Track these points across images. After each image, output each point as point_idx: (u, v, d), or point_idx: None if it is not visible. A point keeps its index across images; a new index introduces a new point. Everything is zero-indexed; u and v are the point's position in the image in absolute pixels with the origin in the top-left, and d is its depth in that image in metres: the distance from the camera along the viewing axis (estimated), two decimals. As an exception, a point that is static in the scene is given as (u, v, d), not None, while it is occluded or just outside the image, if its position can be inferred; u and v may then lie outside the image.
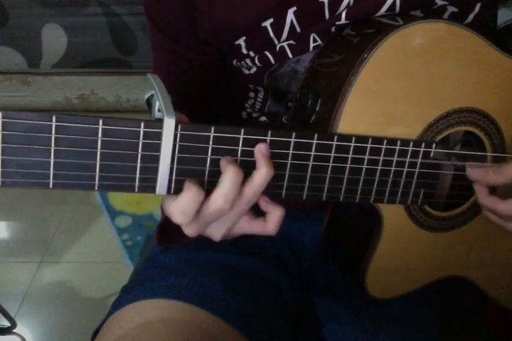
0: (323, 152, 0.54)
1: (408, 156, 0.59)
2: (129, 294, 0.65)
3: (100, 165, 0.47)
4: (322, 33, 0.65)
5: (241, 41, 0.68)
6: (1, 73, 2.36)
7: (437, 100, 0.60)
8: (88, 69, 2.33)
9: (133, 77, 2.37)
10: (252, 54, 0.69)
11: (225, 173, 0.49)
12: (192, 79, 0.76)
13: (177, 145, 0.48)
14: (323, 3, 0.62)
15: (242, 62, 0.71)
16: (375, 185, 0.58)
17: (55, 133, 0.44)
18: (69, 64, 2.30)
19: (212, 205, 0.50)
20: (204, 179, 0.51)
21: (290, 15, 0.64)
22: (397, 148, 0.58)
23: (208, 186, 0.50)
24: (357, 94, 0.55)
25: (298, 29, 0.65)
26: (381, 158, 0.57)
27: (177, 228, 0.54)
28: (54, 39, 2.23)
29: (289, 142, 0.52)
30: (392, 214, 0.63)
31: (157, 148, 0.47)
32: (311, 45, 0.66)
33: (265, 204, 0.54)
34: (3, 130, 0.43)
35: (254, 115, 0.76)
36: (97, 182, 0.47)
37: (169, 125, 0.47)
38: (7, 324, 1.37)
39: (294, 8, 0.63)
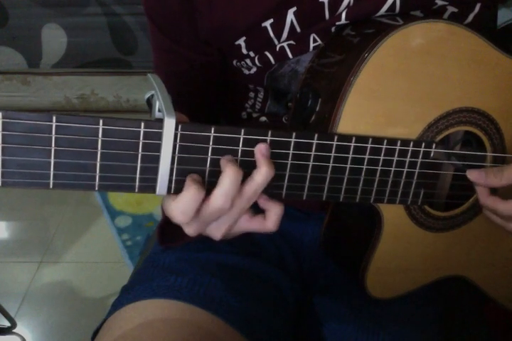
0: (323, 152, 0.54)
1: (408, 156, 0.59)
2: (129, 294, 0.65)
3: (100, 165, 0.47)
4: (322, 33, 0.65)
5: (241, 41, 0.68)
6: (1, 73, 2.36)
7: (437, 100, 0.60)
8: (88, 69, 2.33)
9: (133, 77, 2.37)
10: (252, 54, 0.69)
11: (225, 172, 0.49)
12: (192, 79, 0.76)
13: (177, 146, 0.48)
14: (323, 3, 0.62)
15: (242, 62, 0.72)
16: (375, 185, 0.58)
17: (55, 134, 0.44)
18: (69, 64, 2.30)
19: (212, 204, 0.50)
20: (204, 179, 0.51)
21: (290, 16, 0.64)
22: (397, 148, 0.58)
23: (209, 186, 0.50)
24: (357, 94, 0.55)
25: (298, 29, 0.65)
26: (381, 157, 0.57)
27: (177, 228, 0.54)
28: (54, 39, 2.23)
29: (289, 142, 0.52)
30: (392, 214, 0.63)
31: (157, 148, 0.48)
32: (311, 45, 0.66)
33: (264, 202, 0.54)
34: (3, 130, 0.43)
35: (254, 115, 0.76)
36: (97, 182, 0.47)
37: (169, 125, 0.47)
38: (7, 324, 1.37)
39: (294, 9, 0.63)
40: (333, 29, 0.64)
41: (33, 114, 0.43)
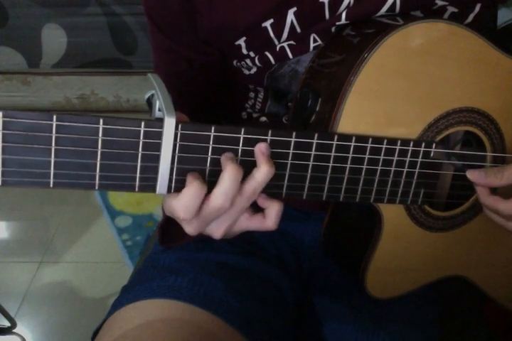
0: (323, 151, 0.54)
1: (408, 156, 0.59)
2: (129, 294, 0.65)
3: (100, 164, 0.47)
4: (322, 33, 0.65)
5: (241, 41, 0.68)
6: (1, 73, 2.36)
7: (437, 100, 0.60)
8: (88, 69, 2.33)
9: (133, 77, 2.37)
10: (252, 54, 0.69)
11: (225, 171, 0.49)
12: (192, 79, 0.76)
13: (177, 145, 0.48)
14: (323, 3, 0.62)
15: (243, 62, 0.72)
16: (375, 185, 0.58)
17: (56, 133, 0.44)
18: (69, 64, 2.30)
19: (212, 203, 0.50)
20: (204, 178, 0.51)
21: (290, 16, 0.64)
22: (398, 147, 0.58)
23: (209, 185, 0.50)
24: (357, 93, 0.55)
25: (298, 29, 0.65)
26: (381, 157, 0.57)
27: (178, 228, 0.54)
28: (54, 39, 2.23)
29: (290, 142, 0.52)
30: (393, 214, 0.63)
31: (157, 147, 0.48)
32: (311, 45, 0.66)
33: (263, 201, 0.54)
34: (3, 129, 0.43)
35: (255, 115, 0.76)
36: (97, 181, 0.47)
37: (169, 124, 0.47)
38: (7, 324, 1.37)
39: (294, 9, 0.63)
40: (333, 29, 0.64)
41: (34, 113, 0.43)
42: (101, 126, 0.45)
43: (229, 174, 0.49)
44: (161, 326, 0.59)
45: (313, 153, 0.54)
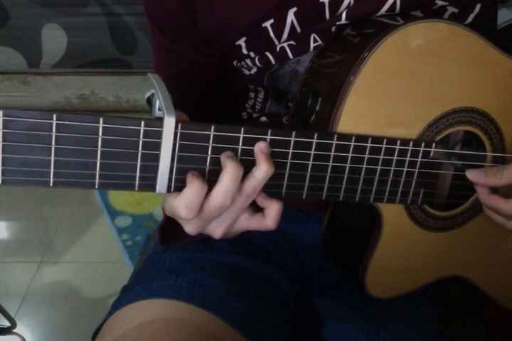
0: (323, 151, 0.54)
1: (408, 156, 0.59)
2: (129, 294, 0.65)
3: (100, 163, 0.47)
4: (322, 33, 0.65)
5: (241, 42, 0.68)
6: (1, 73, 2.36)
7: (437, 100, 0.60)
8: (88, 69, 2.33)
9: (133, 77, 2.37)
10: (252, 54, 0.69)
11: (225, 169, 0.49)
12: (192, 79, 0.76)
13: (177, 144, 0.48)
14: (323, 3, 0.62)
15: (243, 62, 0.72)
16: (375, 185, 0.58)
17: (56, 132, 0.44)
18: (69, 64, 2.30)
19: (212, 201, 0.50)
20: (204, 178, 0.51)
21: (290, 16, 0.64)
22: (397, 147, 0.58)
23: (209, 184, 0.50)
24: (357, 93, 0.55)
25: (298, 29, 0.65)
26: (381, 157, 0.57)
27: (178, 228, 0.54)
28: (54, 39, 2.23)
29: (289, 141, 0.52)
30: (392, 214, 0.63)
31: (157, 146, 0.48)
32: (312, 45, 0.66)
33: (262, 200, 0.54)
34: (4, 128, 0.43)
35: (255, 115, 0.76)
36: (97, 180, 0.47)
37: (169, 124, 0.47)
38: (7, 324, 1.36)
39: (295, 9, 0.63)
40: (333, 29, 0.64)
41: (34, 112, 0.43)
42: (101, 125, 0.45)
43: (229, 172, 0.49)
44: (161, 326, 0.59)
45: (312, 152, 0.54)
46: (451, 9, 0.65)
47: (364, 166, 0.57)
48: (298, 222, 0.78)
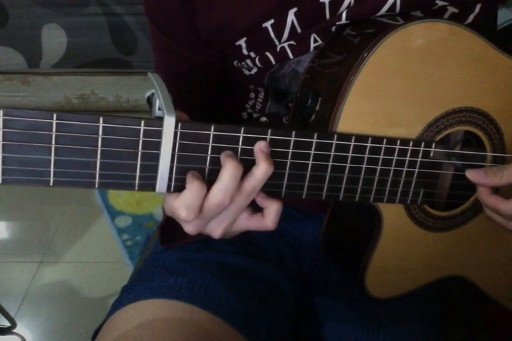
0: (322, 151, 0.54)
1: (408, 155, 0.59)
2: (129, 294, 0.65)
3: (100, 163, 0.47)
4: (323, 33, 0.65)
5: (242, 42, 0.68)
6: (1, 73, 2.36)
7: (437, 100, 0.60)
8: (88, 69, 2.33)
9: (133, 77, 2.37)
10: (252, 55, 0.69)
11: (225, 167, 0.49)
12: (192, 79, 0.76)
13: (177, 144, 0.48)
14: (323, 3, 0.62)
15: (243, 62, 0.72)
16: (375, 185, 0.58)
17: (56, 131, 0.44)
18: (69, 64, 2.30)
19: (211, 200, 0.50)
20: (204, 178, 0.51)
21: (291, 16, 0.64)
22: (397, 147, 0.58)
23: (208, 184, 0.50)
24: (357, 93, 0.55)
25: (299, 30, 0.65)
26: (381, 157, 0.57)
27: (178, 227, 0.54)
28: (54, 39, 2.23)
29: (289, 141, 0.52)
30: (392, 214, 0.63)
31: (157, 146, 0.48)
32: (312, 45, 0.66)
33: (262, 200, 0.54)
34: (4, 127, 0.43)
35: (255, 115, 0.76)
36: (97, 180, 0.47)
37: (169, 123, 0.47)
38: (7, 324, 1.36)
39: (295, 9, 0.63)
40: (333, 29, 0.64)
41: (34, 111, 0.43)
42: (101, 125, 0.45)
43: (228, 171, 0.49)
44: (161, 326, 0.59)
45: (312, 152, 0.54)
46: (451, 9, 0.65)
47: (364, 166, 0.57)
48: (298, 222, 0.78)
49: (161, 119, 0.47)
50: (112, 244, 1.77)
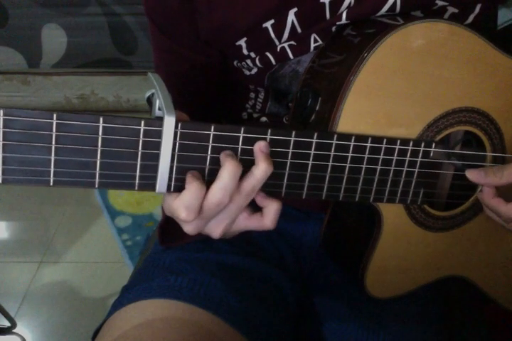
0: (322, 151, 0.54)
1: (408, 155, 0.59)
2: (129, 294, 0.66)
3: (100, 162, 0.47)
4: (323, 34, 0.65)
5: (242, 42, 0.68)
6: (1, 73, 2.36)
7: (437, 100, 0.60)
8: (88, 69, 2.33)
9: (133, 77, 2.37)
10: (252, 55, 0.69)
11: (224, 167, 0.49)
12: (193, 79, 0.76)
13: (177, 144, 0.48)
14: (324, 3, 0.62)
15: (243, 62, 0.72)
16: (375, 184, 0.58)
17: (56, 131, 0.44)
18: (69, 64, 2.30)
19: (210, 199, 0.50)
20: (204, 177, 0.51)
21: (291, 16, 0.64)
22: (397, 147, 0.58)
23: (208, 184, 0.50)
24: (357, 93, 0.55)
25: (299, 30, 0.65)
26: (381, 157, 0.57)
27: (178, 227, 0.54)
28: (54, 39, 2.23)
29: (289, 141, 0.52)
30: (392, 214, 0.63)
31: (157, 146, 0.48)
32: (312, 45, 0.66)
33: (261, 199, 0.54)
34: (4, 127, 0.43)
35: (255, 115, 0.76)
36: (97, 179, 0.47)
37: (169, 123, 0.47)
38: (7, 324, 1.36)
39: (295, 9, 0.63)
40: (333, 29, 0.64)
41: (34, 111, 0.43)
42: (101, 125, 0.45)
43: (228, 170, 0.49)
44: (161, 326, 0.59)
45: (312, 152, 0.54)
46: (451, 9, 0.65)
47: (364, 166, 0.57)
48: (298, 221, 0.78)
49: (161, 119, 0.47)
50: (112, 244, 1.77)
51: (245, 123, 0.78)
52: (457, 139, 0.66)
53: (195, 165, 0.50)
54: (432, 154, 0.60)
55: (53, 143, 0.45)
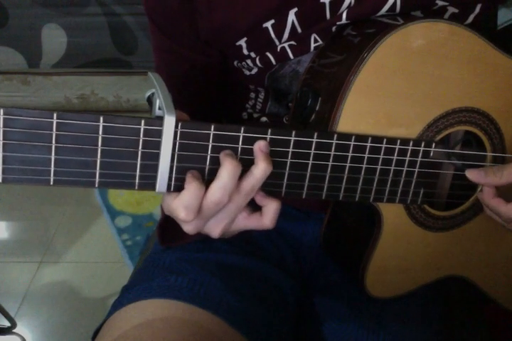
0: (323, 150, 0.54)
1: (408, 155, 0.59)
2: (129, 294, 0.65)
3: (101, 162, 0.47)
4: (323, 34, 0.65)
5: (242, 42, 0.68)
6: (1, 73, 2.36)
7: (437, 100, 0.60)
8: (88, 69, 2.33)
9: (133, 77, 2.37)
10: (253, 55, 0.69)
11: (224, 166, 0.49)
12: (193, 79, 0.76)
13: (177, 143, 0.48)
14: (324, 3, 0.62)
15: (243, 63, 0.72)
16: (375, 184, 0.58)
17: (56, 130, 0.44)
18: (69, 64, 2.30)
19: (209, 198, 0.50)
20: (204, 177, 0.51)
21: (291, 16, 0.64)
22: (397, 147, 0.58)
23: (208, 184, 0.50)
24: (357, 93, 0.55)
25: (299, 30, 0.65)
26: (381, 156, 0.57)
27: (177, 226, 0.54)
28: (54, 39, 2.23)
29: (289, 140, 0.52)
30: (392, 214, 0.63)
31: (157, 145, 0.48)
32: (312, 45, 0.66)
33: (261, 198, 0.54)
34: (4, 127, 0.43)
35: (255, 115, 0.76)
36: (97, 179, 0.47)
37: (169, 123, 0.47)
38: (7, 324, 1.36)
39: (295, 9, 0.63)
40: (333, 29, 0.64)
41: (35, 110, 0.43)
42: (101, 124, 0.45)
43: (227, 168, 0.49)
44: (161, 326, 0.59)
45: (312, 151, 0.54)
46: (451, 9, 0.65)
47: (364, 166, 0.57)
48: (298, 221, 0.78)
49: (161, 119, 0.47)
50: (112, 244, 1.77)
51: (245, 123, 0.78)
52: (457, 139, 0.66)
53: (195, 165, 0.50)
54: (432, 154, 0.60)
55: (53, 142, 0.45)
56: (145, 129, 0.47)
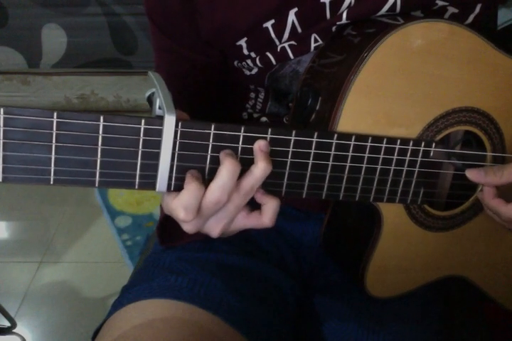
0: (323, 150, 0.54)
1: (408, 155, 0.59)
2: (129, 294, 0.65)
3: (101, 161, 0.47)
4: (323, 33, 0.65)
5: (242, 42, 0.68)
6: (1, 73, 2.36)
7: (437, 99, 0.60)
8: (88, 69, 2.33)
9: (133, 77, 2.37)
10: (253, 55, 0.69)
11: (223, 165, 0.49)
12: (193, 79, 0.76)
13: (177, 143, 0.48)
14: (324, 3, 0.62)
15: (243, 63, 0.72)
16: (375, 184, 0.58)
17: (56, 130, 0.44)
18: (69, 64, 2.30)
19: (209, 197, 0.50)
20: (204, 176, 0.51)
21: (291, 16, 0.64)
22: (397, 147, 0.58)
23: (208, 183, 0.50)
24: (357, 93, 0.56)
25: (299, 30, 0.65)
26: (381, 156, 0.57)
27: (177, 226, 0.54)
28: (54, 39, 2.23)
29: (289, 140, 0.52)
30: (392, 214, 0.63)
31: (157, 145, 0.48)
32: (312, 45, 0.66)
33: (260, 197, 0.54)
34: (4, 126, 0.43)
35: (255, 115, 0.76)
36: (97, 178, 0.47)
37: (170, 122, 0.47)
38: (7, 324, 1.36)
39: (296, 9, 0.63)
40: (333, 29, 0.64)
41: (35, 110, 0.43)
42: (101, 124, 0.45)
43: (227, 168, 0.49)
44: (161, 326, 0.59)
45: (312, 151, 0.54)
46: (451, 9, 0.65)
47: (364, 165, 0.57)
48: (298, 221, 0.78)
49: (161, 118, 0.47)
50: (112, 244, 1.77)
51: (245, 123, 0.78)
52: (457, 139, 0.66)
53: (196, 164, 0.50)
54: (432, 154, 0.60)
55: (54, 141, 0.45)
56: (145, 129, 0.47)
